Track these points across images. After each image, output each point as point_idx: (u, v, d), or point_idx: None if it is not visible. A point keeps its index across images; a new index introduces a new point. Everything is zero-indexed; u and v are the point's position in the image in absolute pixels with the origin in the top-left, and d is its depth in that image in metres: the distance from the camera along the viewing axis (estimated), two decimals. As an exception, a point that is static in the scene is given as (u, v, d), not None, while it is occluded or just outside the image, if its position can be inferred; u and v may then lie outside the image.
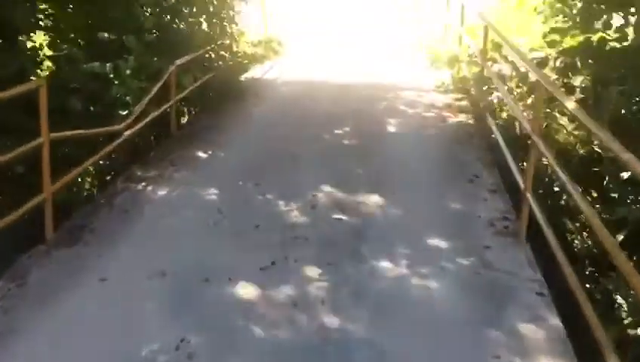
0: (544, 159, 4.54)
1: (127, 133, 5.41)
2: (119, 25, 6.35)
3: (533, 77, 5.02)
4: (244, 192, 5.08)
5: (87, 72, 5.75)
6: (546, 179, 4.90)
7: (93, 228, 4.44)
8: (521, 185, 4.25)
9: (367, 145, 6.24)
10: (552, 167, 3.87)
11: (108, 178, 5.56)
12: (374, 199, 4.89)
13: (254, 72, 9.78)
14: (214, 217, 4.61)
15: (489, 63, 6.79)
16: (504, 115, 6.64)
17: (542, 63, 5.90)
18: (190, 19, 8.06)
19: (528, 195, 4.08)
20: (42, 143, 4.04)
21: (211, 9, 8.21)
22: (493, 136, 5.83)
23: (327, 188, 5.09)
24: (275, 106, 7.81)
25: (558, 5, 7.13)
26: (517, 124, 5.87)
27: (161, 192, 5.14)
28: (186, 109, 7.63)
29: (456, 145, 6.14)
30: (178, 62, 6.42)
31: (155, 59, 6.52)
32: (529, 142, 4.25)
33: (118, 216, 4.67)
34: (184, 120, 7.54)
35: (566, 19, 7.44)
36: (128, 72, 5.99)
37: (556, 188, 4.80)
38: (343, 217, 4.58)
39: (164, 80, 6.06)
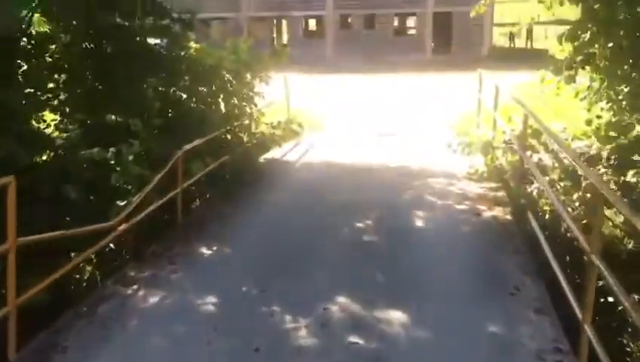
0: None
1: (122, 227, 4.85)
2: (128, 106, 5.95)
3: (583, 176, 4.37)
4: (246, 302, 4.39)
5: (85, 158, 5.28)
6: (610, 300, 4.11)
7: (65, 347, 3.80)
8: (578, 313, 3.48)
9: (391, 243, 5.55)
10: (617, 296, 3.12)
11: (98, 278, 4.96)
12: (397, 315, 4.15)
13: (274, 153, 9.29)
14: (209, 335, 3.92)
15: (528, 153, 6.15)
16: (547, 208, 5.93)
17: (593, 160, 5.22)
18: (209, 99, 7.70)
19: (587, 328, 3.31)
20: (8, 249, 3.48)
21: (230, 88, 7.85)
22: (535, 236, 5.11)
23: (341, 299, 4.38)
24: (291, 193, 7.23)
25: (603, 90, 6.55)
26: (564, 225, 5.16)
27: (153, 299, 4.49)
28: (198, 194, 7.10)
29: (493, 247, 5.39)
30: (187, 146, 5.93)
31: (164, 143, 6.05)
32: (585, 258, 3.53)
33: (98, 331, 4.01)
34: (196, 204, 7.00)
35: (610, 104, 6.84)
36: (131, 157, 5.52)
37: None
38: (360, 341, 3.84)
39: (168, 167, 5.55)
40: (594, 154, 5.78)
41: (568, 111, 9.84)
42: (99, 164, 5.33)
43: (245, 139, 8.20)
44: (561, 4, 7.88)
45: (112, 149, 5.58)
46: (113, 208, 5.02)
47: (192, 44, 8.53)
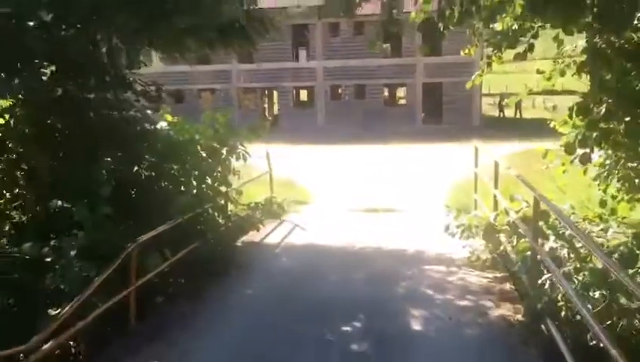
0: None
1: (47, 346, 3.90)
2: (74, 190, 5.13)
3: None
4: None
5: (12, 256, 4.40)
6: None
7: None
8: None
9: (383, 354, 4.61)
10: None
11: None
12: None
13: (254, 235, 8.43)
14: None
15: (540, 241, 5.32)
16: (565, 306, 5.04)
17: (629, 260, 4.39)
18: (180, 179, 6.91)
19: None
20: None
21: (204, 166, 7.07)
22: (555, 344, 4.22)
23: None
24: (269, 286, 6.31)
25: (620, 168, 5.83)
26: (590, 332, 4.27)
27: None
28: (159, 291, 6.14)
29: (505, 358, 4.48)
30: (143, 238, 5.06)
31: (117, 233, 5.18)
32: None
33: None
34: (156, 302, 6.04)
35: (627, 184, 6.10)
36: (74, 253, 4.64)
37: None
38: None
39: (116, 264, 4.65)
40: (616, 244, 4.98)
41: (573, 186, 9.14)
42: (30, 263, 4.45)
43: (221, 221, 7.34)
44: (562, 75, 7.30)
45: (53, 242, 4.72)
46: (43, 319, 4.10)
47: (168, 118, 7.86)
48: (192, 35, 7.61)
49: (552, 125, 7.43)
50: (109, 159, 5.68)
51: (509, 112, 41.59)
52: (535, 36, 6.01)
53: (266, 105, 41.89)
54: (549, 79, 7.24)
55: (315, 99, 37.09)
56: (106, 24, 5.37)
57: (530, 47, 5.98)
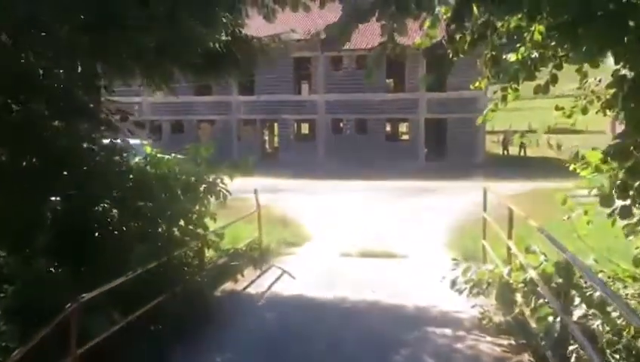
0: None
1: None
2: (7, 236, 4.26)
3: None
4: None
5: None
6: None
7: None
8: None
9: None
10: None
11: None
12: None
13: (237, 283, 7.53)
14: None
15: (571, 309, 4.42)
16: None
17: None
18: (151, 219, 6.05)
19: None
20: None
21: (179, 205, 6.22)
22: None
23: None
24: (246, 350, 5.39)
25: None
26: None
27: None
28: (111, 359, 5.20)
29: None
30: (87, 296, 4.17)
31: (61, 288, 4.30)
32: None
33: None
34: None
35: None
36: (-3, 314, 3.75)
37: None
38: None
39: (47, 329, 3.76)
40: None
41: (593, 234, 8.28)
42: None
43: (196, 269, 6.45)
44: (585, 112, 6.51)
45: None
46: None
47: (147, 149, 7.06)
48: (170, 59, 6.86)
49: (571, 168, 6.63)
50: (56, 198, 4.84)
51: (513, 150, 40.93)
52: (558, 67, 5.22)
53: (266, 138, 41.30)
54: (569, 116, 6.46)
55: (316, 133, 36.47)
56: (45, 36, 4.60)
57: (553, 79, 5.19)
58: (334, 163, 31.92)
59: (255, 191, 9.14)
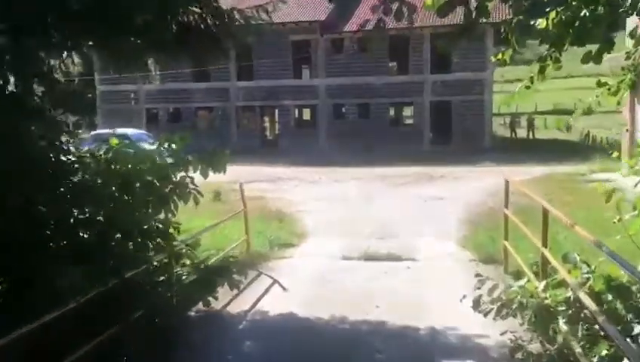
0: None
1: None
2: None
3: None
4: None
5: None
6: None
7: None
8: None
9: None
10: None
11: None
12: None
13: (219, 297, 6.38)
14: None
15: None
16: None
17: None
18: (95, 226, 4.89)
19: None
20: None
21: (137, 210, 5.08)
22: None
23: None
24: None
25: None
26: None
27: None
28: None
29: None
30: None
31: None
32: None
33: None
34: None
35: None
36: None
37: None
38: None
39: None
40: None
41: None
42: None
43: (161, 289, 5.32)
44: (632, 88, 5.38)
45: None
46: None
47: (113, 142, 5.90)
48: (133, 34, 5.70)
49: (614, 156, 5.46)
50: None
51: (522, 133, 39.58)
52: (613, 26, 4.03)
53: (266, 125, 40.06)
54: (615, 93, 5.28)
55: (318, 119, 35.24)
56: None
57: (608, 42, 3.99)
58: (336, 149, 30.71)
59: (240, 186, 7.89)
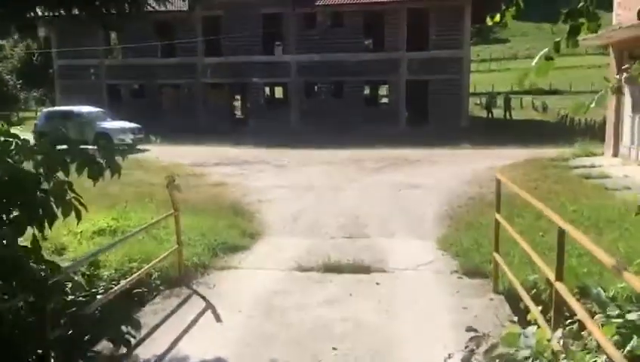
0: None
1: None
2: None
3: None
4: None
5: None
6: None
7: None
8: None
9: None
10: None
11: None
12: None
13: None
14: None
15: None
16: None
17: None
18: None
19: None
20: None
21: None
22: None
23: None
24: None
25: None
26: None
27: None
28: None
29: None
30: None
31: None
32: None
33: None
34: None
35: None
36: None
37: None
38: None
39: None
40: None
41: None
42: None
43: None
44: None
45: None
46: None
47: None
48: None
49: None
50: None
51: (498, 113, 38.48)
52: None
53: (235, 103, 38.29)
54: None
55: (289, 97, 33.62)
56: None
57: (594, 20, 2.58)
58: (308, 130, 29.23)
59: (169, 184, 6.30)
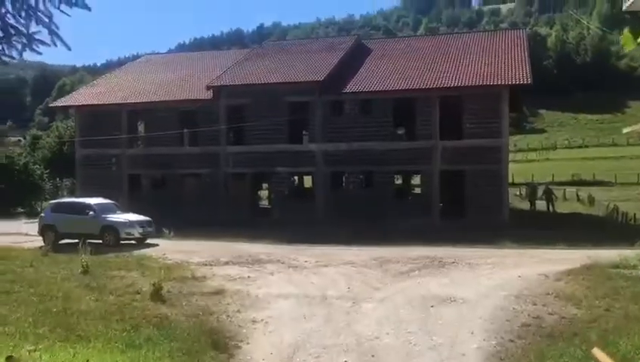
0: None
1: None
2: None
3: None
4: None
5: None
6: None
7: None
8: None
9: None
10: None
11: None
12: None
13: None
14: None
15: None
16: None
17: None
18: None
19: None
20: None
21: None
22: None
23: None
24: None
25: None
26: None
27: None
28: None
29: None
30: None
31: None
32: None
33: None
34: None
35: None
36: None
37: None
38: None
39: None
40: None
41: None
42: None
43: None
44: None
45: None
46: None
47: None
48: None
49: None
50: None
51: (540, 204, 35.73)
52: None
53: (258, 194, 36.68)
54: None
55: (315, 188, 31.78)
56: None
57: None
58: (335, 223, 27.05)
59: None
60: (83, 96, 36.58)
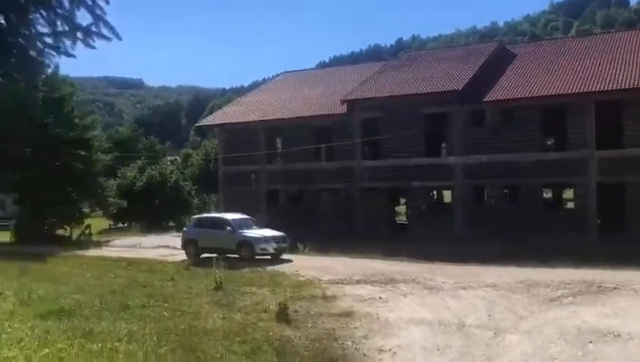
0: None
1: None
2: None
3: None
4: None
5: None
6: None
7: None
8: None
9: None
10: None
11: None
12: None
13: None
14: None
15: None
16: None
17: None
18: None
19: None
20: None
21: None
22: None
23: None
24: None
25: None
26: None
27: None
28: None
29: None
30: None
31: None
32: None
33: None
34: None
35: None
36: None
37: None
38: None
39: None
40: None
41: None
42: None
43: None
44: None
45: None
46: None
47: None
48: None
49: None
50: None
51: None
52: None
53: (394, 208, 35.75)
54: None
55: (454, 203, 30.20)
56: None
57: None
58: (475, 239, 25.38)
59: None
60: (225, 115, 38.35)
